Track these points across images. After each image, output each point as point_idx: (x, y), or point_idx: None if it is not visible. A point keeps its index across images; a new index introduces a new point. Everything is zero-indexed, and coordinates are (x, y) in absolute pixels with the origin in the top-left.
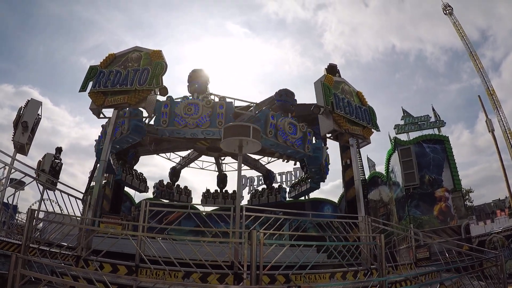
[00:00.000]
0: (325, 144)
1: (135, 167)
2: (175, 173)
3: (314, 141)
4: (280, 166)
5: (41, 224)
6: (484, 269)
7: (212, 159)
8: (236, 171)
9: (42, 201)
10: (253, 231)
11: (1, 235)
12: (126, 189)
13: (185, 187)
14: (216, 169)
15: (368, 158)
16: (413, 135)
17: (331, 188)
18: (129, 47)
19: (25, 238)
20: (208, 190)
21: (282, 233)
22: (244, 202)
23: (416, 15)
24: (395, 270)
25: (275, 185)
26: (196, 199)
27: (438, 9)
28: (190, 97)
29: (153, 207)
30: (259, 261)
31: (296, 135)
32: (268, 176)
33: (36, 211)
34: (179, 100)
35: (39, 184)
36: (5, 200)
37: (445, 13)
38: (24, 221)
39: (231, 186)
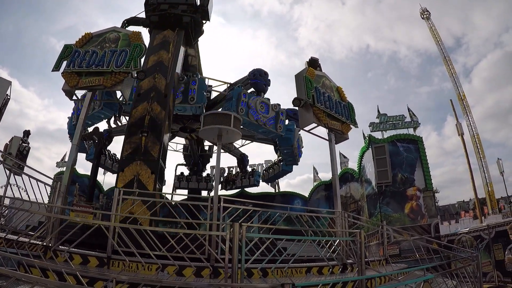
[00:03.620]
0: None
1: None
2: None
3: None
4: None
5: (6, 211)
6: (462, 268)
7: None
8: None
9: (9, 187)
10: (235, 224)
11: None
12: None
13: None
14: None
15: (341, 153)
16: (387, 134)
17: (298, 183)
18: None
19: None
20: (182, 173)
21: (269, 226)
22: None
23: (393, 17)
24: (369, 266)
25: (249, 169)
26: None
27: (415, 13)
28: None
29: (126, 195)
30: (241, 255)
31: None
32: (242, 159)
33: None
34: (253, 94)
35: (5, 169)
36: None
37: (422, 17)
38: None
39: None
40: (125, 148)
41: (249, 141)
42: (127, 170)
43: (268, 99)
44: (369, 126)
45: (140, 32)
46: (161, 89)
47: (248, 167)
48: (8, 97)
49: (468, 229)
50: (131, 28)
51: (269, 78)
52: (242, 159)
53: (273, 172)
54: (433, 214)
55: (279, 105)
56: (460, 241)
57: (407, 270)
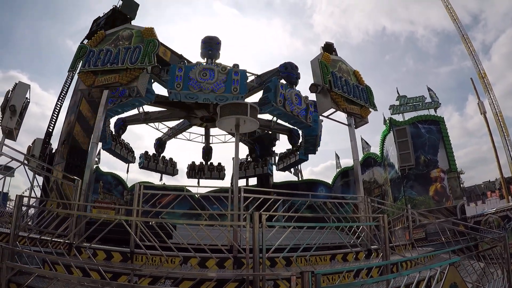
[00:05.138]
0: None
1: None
2: (161, 144)
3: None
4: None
5: (33, 211)
6: (490, 249)
7: (200, 131)
8: (223, 143)
9: (33, 187)
10: (255, 213)
11: None
12: (118, 172)
13: (171, 158)
14: (203, 141)
15: (362, 139)
16: (408, 115)
17: (322, 170)
18: None
19: (13, 227)
20: (193, 163)
21: (291, 214)
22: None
23: None
24: (394, 250)
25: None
26: (181, 171)
27: None
28: (204, 63)
29: (147, 190)
30: (262, 244)
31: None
32: (254, 148)
33: (24, 198)
34: (193, 64)
35: (29, 170)
36: None
37: None
38: None
39: (216, 159)
40: (56, 157)
41: (266, 131)
42: (54, 171)
43: (218, 64)
44: (389, 109)
45: (153, 28)
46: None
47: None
48: (28, 100)
49: (495, 209)
50: None
51: (218, 41)
52: (254, 148)
53: (289, 161)
54: (458, 195)
55: (234, 65)
56: (487, 221)
57: (432, 253)
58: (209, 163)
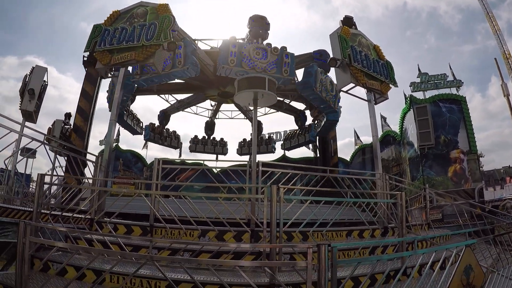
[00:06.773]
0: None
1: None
2: (165, 116)
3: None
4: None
5: (55, 189)
6: (506, 234)
7: (206, 105)
8: (226, 119)
9: (55, 167)
10: (273, 186)
11: (15, 204)
12: (137, 150)
13: (174, 131)
14: (208, 115)
15: (382, 116)
16: (429, 94)
17: (340, 147)
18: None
19: (36, 205)
20: (196, 136)
21: (309, 188)
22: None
23: None
24: (410, 230)
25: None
26: (185, 144)
27: None
28: (255, 42)
29: (166, 165)
30: (279, 218)
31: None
32: (258, 126)
33: (45, 176)
34: (247, 43)
35: (50, 151)
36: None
37: None
38: None
39: (219, 134)
40: None
41: (274, 111)
42: None
43: (268, 44)
44: (410, 86)
45: (168, 4)
46: None
47: (265, 134)
48: (46, 83)
49: None
50: None
51: (267, 22)
52: (258, 125)
53: (320, 124)
54: (477, 178)
55: (283, 47)
56: (505, 207)
57: (448, 234)
58: (211, 137)
